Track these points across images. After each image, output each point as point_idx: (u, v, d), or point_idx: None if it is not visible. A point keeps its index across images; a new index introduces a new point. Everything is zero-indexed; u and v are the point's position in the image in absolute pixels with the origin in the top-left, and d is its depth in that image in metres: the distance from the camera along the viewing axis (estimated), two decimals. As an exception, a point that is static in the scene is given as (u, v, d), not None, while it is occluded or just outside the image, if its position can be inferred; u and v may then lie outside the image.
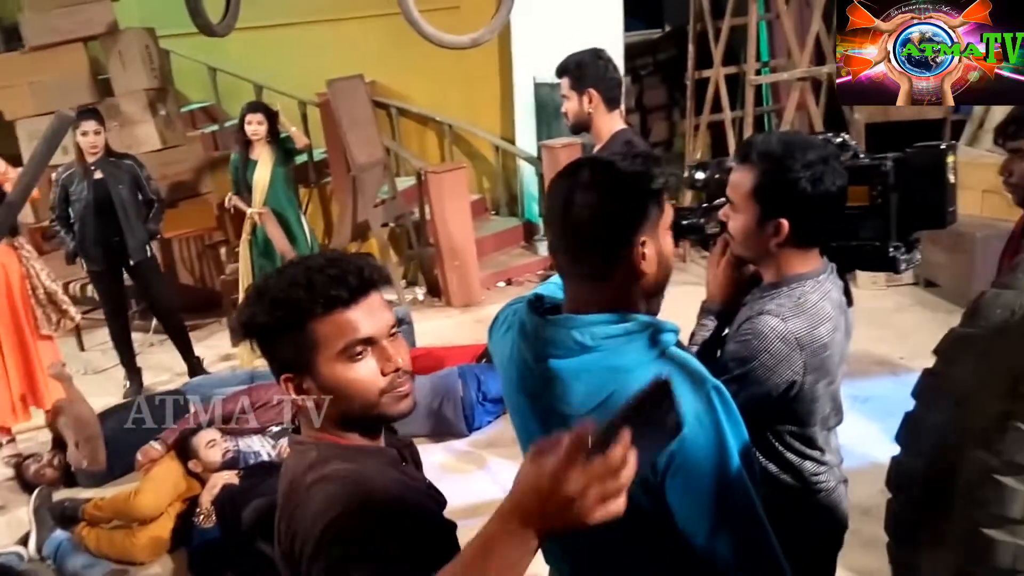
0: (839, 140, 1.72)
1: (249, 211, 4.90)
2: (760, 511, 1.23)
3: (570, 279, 1.31)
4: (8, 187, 4.02)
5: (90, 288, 5.37)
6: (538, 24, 6.14)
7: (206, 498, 3.31)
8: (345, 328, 1.17)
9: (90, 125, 4.43)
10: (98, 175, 4.52)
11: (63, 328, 4.40)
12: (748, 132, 5.50)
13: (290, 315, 1.17)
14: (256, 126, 4.78)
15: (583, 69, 2.82)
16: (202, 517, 3.28)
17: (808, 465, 1.67)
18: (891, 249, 1.66)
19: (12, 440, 4.25)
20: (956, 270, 4.81)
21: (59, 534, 3.40)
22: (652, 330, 1.24)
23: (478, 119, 6.84)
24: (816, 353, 1.56)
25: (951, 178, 1.66)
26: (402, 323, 4.68)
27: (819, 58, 5.61)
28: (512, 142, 6.68)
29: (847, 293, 1.70)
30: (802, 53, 5.35)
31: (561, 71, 2.88)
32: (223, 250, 5.77)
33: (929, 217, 1.68)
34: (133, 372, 4.91)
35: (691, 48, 6.18)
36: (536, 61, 6.35)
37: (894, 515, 1.55)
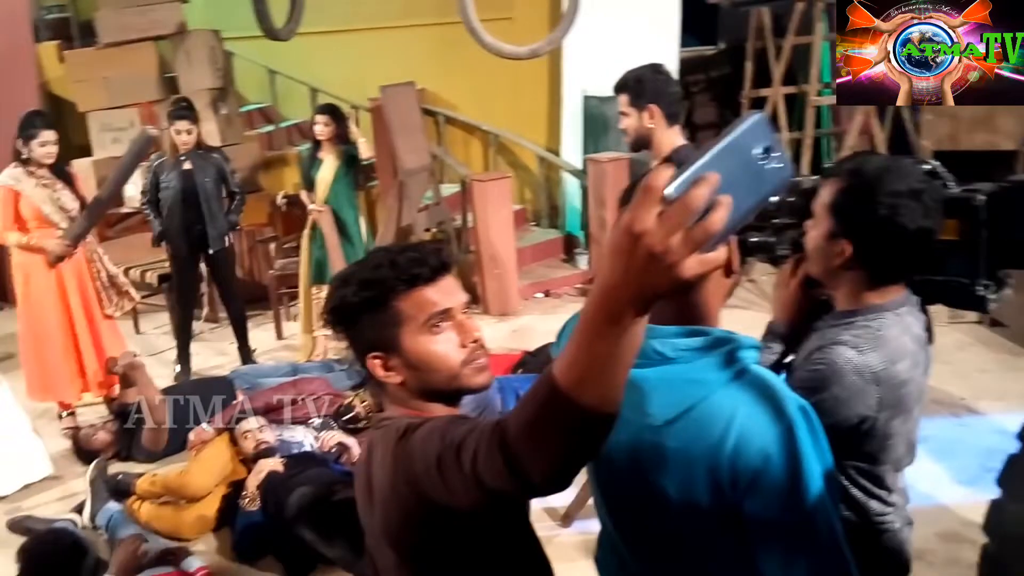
0: (927, 167, 1.59)
1: (310, 207, 5.08)
2: (842, 538, 1.19)
3: None
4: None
5: (148, 274, 5.65)
6: (591, 37, 6.21)
7: (252, 482, 3.48)
8: (426, 303, 1.29)
9: (183, 125, 4.72)
10: (187, 166, 4.78)
11: (122, 309, 4.65)
12: (806, 154, 5.49)
13: (376, 294, 1.30)
14: (322, 127, 4.94)
15: (643, 84, 2.78)
16: (247, 500, 3.45)
17: (874, 504, 1.60)
18: (979, 287, 1.54)
19: (72, 414, 4.51)
20: (1026, 310, 4.36)
21: (112, 506, 3.58)
22: (731, 346, 1.21)
23: (523, 129, 6.98)
24: (893, 389, 1.49)
25: None
26: None
27: (885, 82, 5.56)
28: (557, 154, 6.82)
29: (928, 329, 1.62)
30: (865, 77, 5.31)
31: (620, 87, 2.85)
32: (272, 246, 5.98)
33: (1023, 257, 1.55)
34: (185, 356, 5.15)
35: (748, 66, 6.21)
36: (586, 74, 6.47)
37: (990, 560, 1.48)
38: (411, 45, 6.95)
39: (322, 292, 5.20)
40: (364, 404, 3.85)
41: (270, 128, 6.96)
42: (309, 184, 5.11)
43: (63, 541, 2.47)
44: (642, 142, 2.87)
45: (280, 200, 5.91)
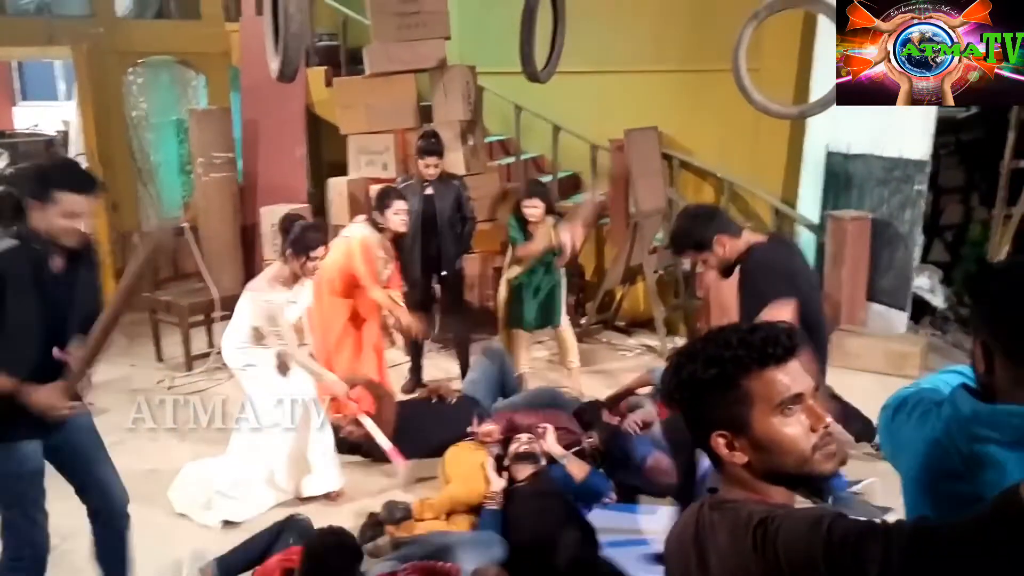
0: None
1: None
2: None
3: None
4: None
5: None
6: (842, 93, 6.02)
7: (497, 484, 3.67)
8: (779, 385, 1.28)
9: (432, 160, 5.07)
10: (428, 191, 5.10)
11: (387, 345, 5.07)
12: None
13: (726, 372, 1.29)
14: (532, 209, 5.00)
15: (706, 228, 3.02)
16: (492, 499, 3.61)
17: None
18: None
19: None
20: None
21: None
22: None
23: (760, 179, 6.80)
24: None
25: None
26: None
27: None
28: (793, 207, 6.59)
29: None
30: None
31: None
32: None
33: None
34: (416, 370, 5.41)
35: (1011, 135, 5.82)
36: (832, 129, 6.25)
37: None
38: (654, 89, 6.99)
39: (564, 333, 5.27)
40: (590, 441, 3.93)
41: (510, 160, 7.21)
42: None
43: (346, 544, 2.62)
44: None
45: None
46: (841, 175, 6.33)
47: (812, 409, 1.29)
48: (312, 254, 3.89)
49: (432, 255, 5.18)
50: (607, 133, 6.67)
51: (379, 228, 4.76)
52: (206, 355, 5.97)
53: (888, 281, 6.13)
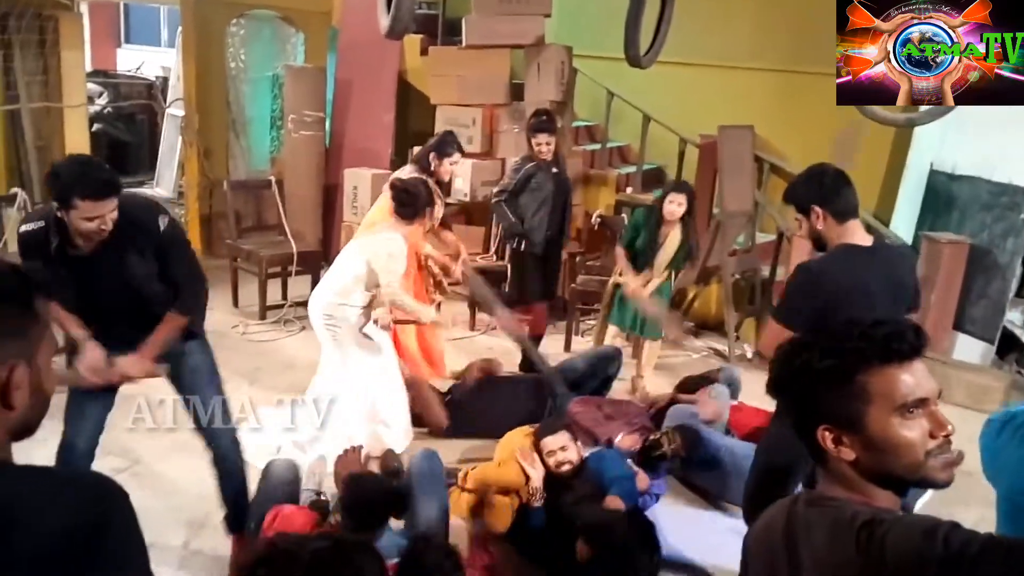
0: None
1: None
2: None
3: None
4: None
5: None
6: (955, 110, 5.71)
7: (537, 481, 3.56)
8: (902, 386, 1.21)
9: (543, 138, 4.82)
10: (555, 170, 4.94)
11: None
12: None
13: (843, 365, 1.22)
14: (677, 207, 4.73)
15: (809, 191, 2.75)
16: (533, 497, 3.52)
17: None
18: None
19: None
20: None
21: None
22: None
23: (853, 192, 6.56)
24: None
25: None
26: (731, 384, 4.62)
27: None
28: (886, 224, 6.33)
29: None
30: None
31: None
32: (577, 259, 6.08)
33: None
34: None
35: None
36: (940, 147, 5.97)
37: None
38: (750, 87, 6.80)
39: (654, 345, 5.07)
40: (672, 446, 3.77)
41: (595, 147, 7.11)
42: (637, 255, 4.86)
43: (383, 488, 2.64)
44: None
45: (594, 219, 5.99)
46: (942, 195, 6.04)
47: (935, 415, 1.22)
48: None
49: (554, 235, 5.00)
50: (697, 128, 6.52)
51: (428, 172, 4.59)
52: (280, 306, 6.07)
53: (978, 311, 5.84)
